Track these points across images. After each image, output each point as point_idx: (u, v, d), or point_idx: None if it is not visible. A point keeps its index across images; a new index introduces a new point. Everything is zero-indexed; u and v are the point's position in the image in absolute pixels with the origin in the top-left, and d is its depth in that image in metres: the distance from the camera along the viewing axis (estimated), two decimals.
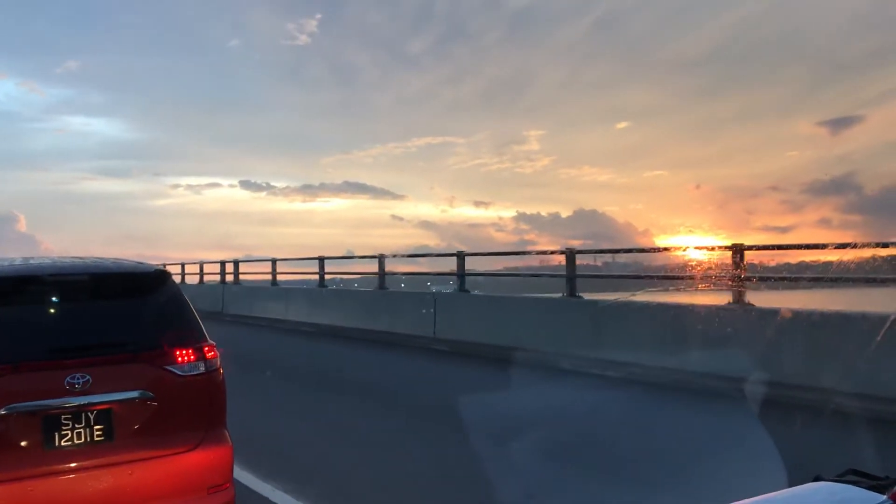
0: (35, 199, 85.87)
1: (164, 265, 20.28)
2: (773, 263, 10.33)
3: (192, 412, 4.00)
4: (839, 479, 1.18)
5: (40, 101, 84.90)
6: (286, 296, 20.19)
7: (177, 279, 23.82)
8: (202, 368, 4.04)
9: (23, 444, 3.55)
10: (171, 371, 3.94)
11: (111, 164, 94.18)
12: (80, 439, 3.65)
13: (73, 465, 3.64)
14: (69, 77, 79.20)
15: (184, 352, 4.00)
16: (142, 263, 4.54)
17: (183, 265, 27.22)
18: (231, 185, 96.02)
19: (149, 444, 3.79)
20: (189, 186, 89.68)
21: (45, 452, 3.57)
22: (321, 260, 18.93)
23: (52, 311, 4.03)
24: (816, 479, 1.19)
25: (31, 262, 4.44)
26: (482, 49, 75.89)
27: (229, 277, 24.44)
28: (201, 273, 26.39)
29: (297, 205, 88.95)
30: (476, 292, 14.80)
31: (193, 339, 4.08)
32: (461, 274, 14.08)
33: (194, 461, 3.93)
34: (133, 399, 3.80)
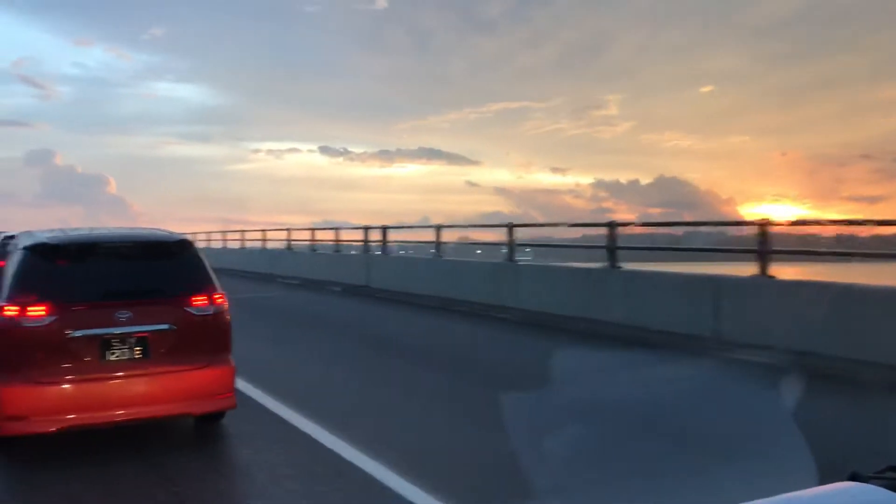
0: (124, 163, 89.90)
1: (288, 230, 23.34)
2: (864, 235, 10.22)
3: (204, 341, 5.55)
4: (876, 475, 1.12)
5: (127, 67, 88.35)
6: (455, 270, 15.84)
7: (301, 244, 24.25)
8: (212, 311, 5.60)
9: (86, 358, 5.15)
10: (189, 311, 5.50)
11: (195, 129, 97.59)
12: (125, 356, 5.25)
13: (119, 373, 5.25)
14: (154, 43, 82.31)
15: (199, 298, 5.55)
16: (171, 233, 6.13)
17: (312, 230, 24.31)
18: (310, 151, 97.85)
19: (172, 361, 5.36)
20: (269, 151, 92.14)
21: (100, 364, 5.17)
22: (510, 227, 14.21)
23: (106, 267, 5.64)
24: (852, 476, 1.12)
25: (93, 231, 6.06)
26: (559, 12, 75.02)
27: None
28: (337, 241, 22.25)
29: (374, 170, 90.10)
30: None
31: (207, 289, 5.63)
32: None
33: (205, 375, 5.50)
34: (162, 330, 5.37)
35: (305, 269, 22.45)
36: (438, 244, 16.74)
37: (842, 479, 1.12)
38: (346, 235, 21.64)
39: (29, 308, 5.08)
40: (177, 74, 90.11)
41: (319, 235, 23.70)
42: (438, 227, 16.70)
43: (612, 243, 11.51)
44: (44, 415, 5.05)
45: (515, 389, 6.88)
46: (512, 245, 14.09)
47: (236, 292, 14.69)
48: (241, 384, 6.38)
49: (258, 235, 28.23)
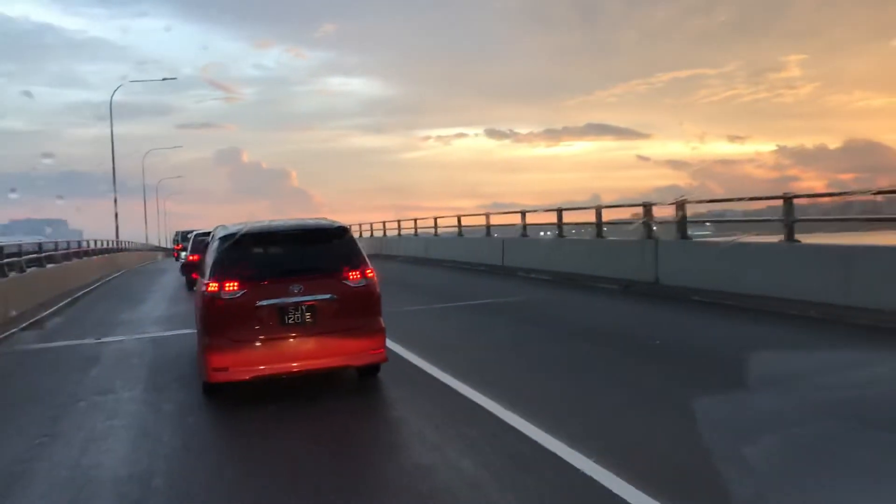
0: (304, 156, 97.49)
1: (523, 213, 20.14)
2: None
3: (359, 307, 6.80)
4: None
5: (304, 65, 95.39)
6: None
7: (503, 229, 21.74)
8: (364, 283, 6.83)
9: (269, 322, 6.55)
10: (346, 284, 6.75)
11: (368, 121, 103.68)
12: (298, 320, 6.59)
13: (294, 333, 6.61)
14: (327, 40, 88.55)
15: (354, 272, 6.80)
16: (333, 221, 7.43)
17: (523, 213, 20.77)
18: (476, 134, 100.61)
19: (335, 324, 6.65)
20: (438, 138, 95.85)
21: (280, 327, 6.55)
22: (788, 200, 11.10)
23: (281, 250, 7.06)
24: None
25: (272, 222, 7.49)
26: None
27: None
28: (524, 224, 20.47)
29: (540, 150, 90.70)
30: None
31: (360, 266, 6.87)
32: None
33: (360, 334, 6.75)
34: (327, 299, 6.66)
35: (549, 259, 18.16)
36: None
37: None
38: (574, 217, 18.76)
39: (226, 284, 6.54)
40: (349, 69, 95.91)
41: (543, 218, 20.01)
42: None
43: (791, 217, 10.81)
44: (240, 366, 6.51)
45: None
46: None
47: (464, 296, 14.41)
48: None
49: (475, 221, 24.28)
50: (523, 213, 20.64)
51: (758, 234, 12.58)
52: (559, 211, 18.57)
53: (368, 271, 6.91)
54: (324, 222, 7.51)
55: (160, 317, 14.04)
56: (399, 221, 34.39)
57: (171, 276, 25.62)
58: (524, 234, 20.59)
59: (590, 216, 17.25)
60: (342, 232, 7.25)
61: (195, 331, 7.79)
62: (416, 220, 31.23)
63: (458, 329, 10.99)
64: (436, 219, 28.00)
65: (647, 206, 14.50)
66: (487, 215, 23.25)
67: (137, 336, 11.56)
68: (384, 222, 36.90)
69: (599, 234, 16.64)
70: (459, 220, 25.08)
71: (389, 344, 7.31)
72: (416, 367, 7.89)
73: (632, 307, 12.46)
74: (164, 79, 42.88)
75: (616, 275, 14.91)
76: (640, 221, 14.62)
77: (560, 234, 18.58)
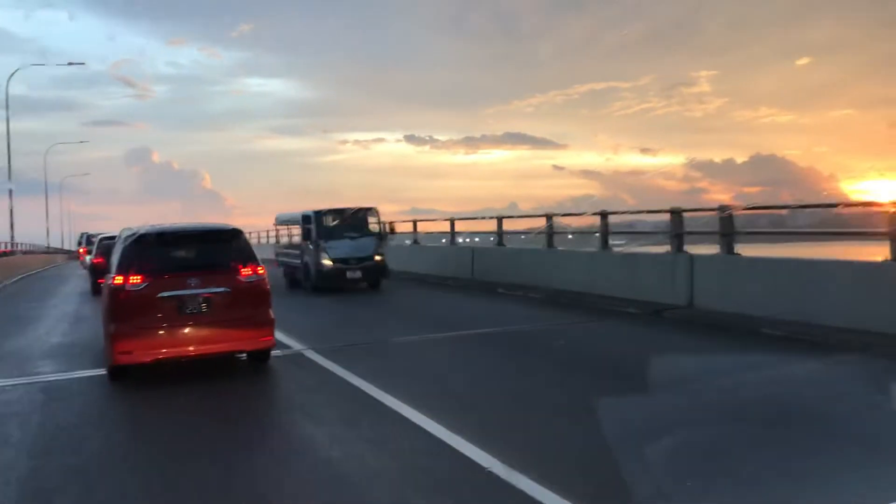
0: (217, 158, 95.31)
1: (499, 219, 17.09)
2: None
3: (251, 300, 7.87)
4: None
5: (219, 65, 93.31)
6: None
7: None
8: (255, 278, 7.88)
9: (170, 311, 7.52)
10: (239, 279, 7.79)
11: (285, 123, 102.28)
12: (196, 310, 7.60)
13: (191, 322, 7.61)
14: (244, 40, 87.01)
15: (245, 269, 7.86)
16: (227, 224, 8.46)
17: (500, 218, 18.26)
18: (396, 140, 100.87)
19: (228, 314, 7.69)
20: (357, 142, 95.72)
21: (179, 315, 7.54)
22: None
23: (181, 249, 8.04)
24: None
25: (174, 224, 8.43)
26: None
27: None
28: (500, 231, 17.94)
29: (460, 157, 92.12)
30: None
31: (251, 263, 7.90)
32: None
33: (251, 323, 7.81)
34: (221, 291, 7.68)
35: (535, 273, 15.69)
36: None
37: None
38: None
39: (130, 278, 7.47)
40: (266, 70, 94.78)
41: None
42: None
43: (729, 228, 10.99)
44: (143, 350, 7.47)
45: None
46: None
47: (461, 322, 11.29)
48: None
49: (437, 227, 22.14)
50: (499, 219, 18.01)
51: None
52: (548, 216, 16.01)
53: (259, 269, 7.98)
54: (220, 225, 8.56)
55: (59, 345, 10.92)
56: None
57: (75, 285, 23.78)
58: (500, 244, 18.04)
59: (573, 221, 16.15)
60: (236, 234, 8.31)
61: (104, 371, 8.07)
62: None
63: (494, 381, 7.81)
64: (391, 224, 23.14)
65: (677, 213, 12.10)
66: (452, 221, 20.43)
67: (23, 381, 8.27)
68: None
69: (605, 244, 14.16)
70: (415, 225, 22.35)
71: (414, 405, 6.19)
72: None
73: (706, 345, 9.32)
74: (69, 63, 41.92)
75: (635, 295, 12.38)
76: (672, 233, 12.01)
77: (550, 244, 15.88)
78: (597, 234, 14.27)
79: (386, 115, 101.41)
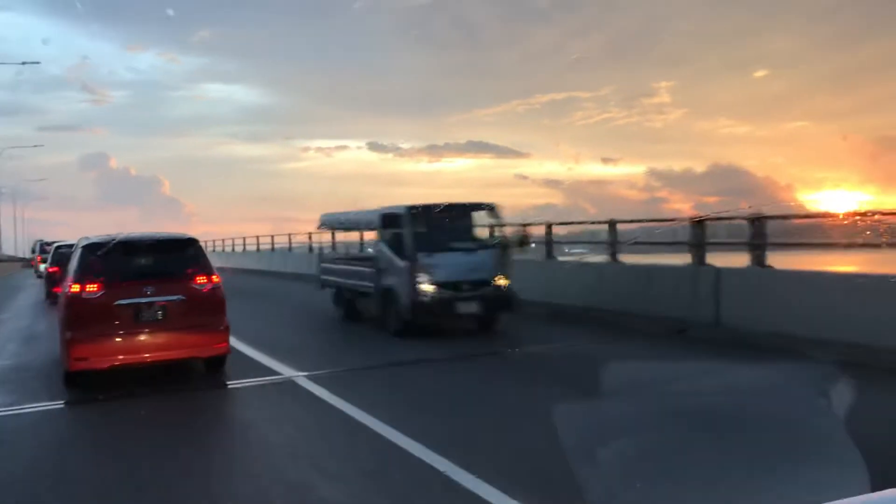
0: (177, 164, 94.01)
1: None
2: None
3: (206, 308, 8.07)
4: None
5: (179, 70, 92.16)
6: None
7: None
8: (210, 287, 8.10)
9: (126, 319, 7.69)
10: (194, 287, 8.01)
11: (246, 129, 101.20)
12: (152, 318, 7.78)
13: (147, 329, 7.78)
14: (204, 46, 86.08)
15: (200, 277, 8.07)
16: (183, 234, 8.69)
17: None
18: (359, 147, 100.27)
19: (183, 321, 7.89)
20: (319, 149, 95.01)
21: (134, 322, 7.72)
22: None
23: (137, 257, 8.21)
24: None
25: (131, 234, 8.62)
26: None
27: None
28: None
29: (423, 165, 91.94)
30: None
31: (206, 272, 8.12)
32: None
33: (206, 331, 8.01)
34: (177, 300, 7.88)
35: (541, 286, 13.49)
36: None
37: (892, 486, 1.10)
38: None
39: (87, 286, 7.64)
40: (227, 76, 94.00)
41: None
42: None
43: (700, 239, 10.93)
44: (99, 356, 7.63)
45: None
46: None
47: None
48: None
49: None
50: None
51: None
52: (548, 225, 14.46)
53: (214, 277, 8.21)
54: (176, 234, 8.77)
55: (7, 370, 9.59)
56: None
57: (29, 296, 22.68)
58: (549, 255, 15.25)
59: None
60: (192, 243, 8.54)
61: (61, 404, 7.53)
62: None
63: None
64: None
65: (699, 222, 11.00)
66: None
67: None
68: (288, 235, 31.49)
69: (615, 256, 12.77)
70: (549, 231, 17.98)
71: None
72: None
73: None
74: (23, 63, 41.25)
75: (649, 311, 11.23)
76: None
77: (549, 255, 14.29)
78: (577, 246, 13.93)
79: (349, 122, 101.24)
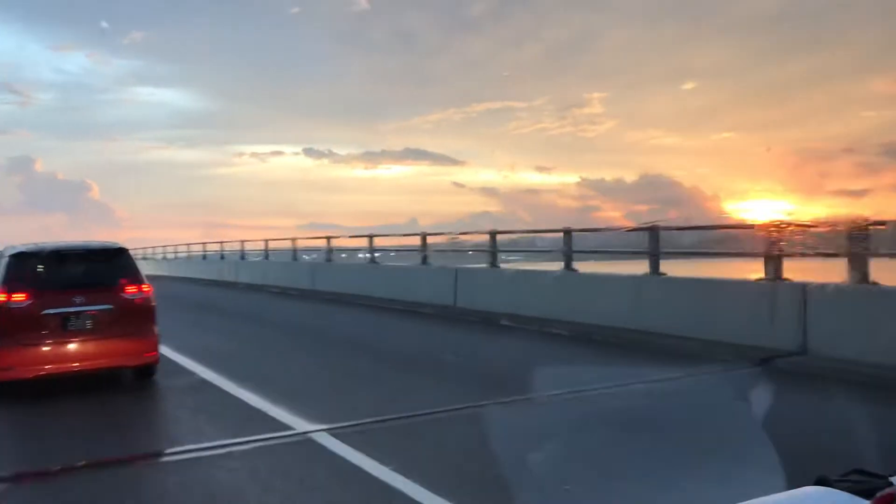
0: (107, 169, 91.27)
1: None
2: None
3: (135, 317, 8.06)
4: (841, 479, 1.11)
5: (110, 72, 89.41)
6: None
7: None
8: (140, 295, 8.14)
9: (54, 328, 7.72)
10: (124, 296, 8.04)
11: (179, 134, 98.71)
12: (80, 327, 7.80)
13: (74, 338, 7.80)
14: (135, 48, 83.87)
15: (130, 287, 8.10)
16: (113, 242, 8.73)
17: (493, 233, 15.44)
18: (294, 153, 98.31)
19: (112, 330, 7.88)
20: (254, 154, 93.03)
21: (63, 332, 7.75)
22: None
23: (66, 266, 8.25)
24: (819, 481, 1.11)
25: (59, 242, 8.63)
26: (544, 10, 77.00)
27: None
28: (493, 250, 15.02)
29: (359, 171, 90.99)
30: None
31: (136, 281, 8.19)
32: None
33: (136, 340, 8.01)
34: (106, 309, 7.91)
35: (554, 304, 12.51)
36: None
37: (809, 484, 1.12)
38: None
39: (14, 295, 7.66)
40: (159, 79, 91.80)
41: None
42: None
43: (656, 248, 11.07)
44: (26, 366, 7.64)
45: None
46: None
47: (511, 381, 7.42)
48: None
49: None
50: (493, 234, 14.92)
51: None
52: (567, 232, 12.96)
53: (144, 286, 8.24)
54: (106, 243, 8.79)
55: None
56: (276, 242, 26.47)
57: None
58: (493, 264, 14.68)
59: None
60: (121, 252, 8.56)
61: None
62: (297, 240, 24.64)
63: None
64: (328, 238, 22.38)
65: (776, 227, 9.61)
66: (424, 235, 17.32)
67: None
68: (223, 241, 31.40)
69: (656, 269, 11.13)
70: (373, 242, 19.96)
71: None
72: None
73: None
74: None
75: (706, 334, 9.58)
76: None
77: (568, 267, 12.91)
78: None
79: (284, 127, 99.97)
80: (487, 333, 12.48)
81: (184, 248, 36.13)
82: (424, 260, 17.15)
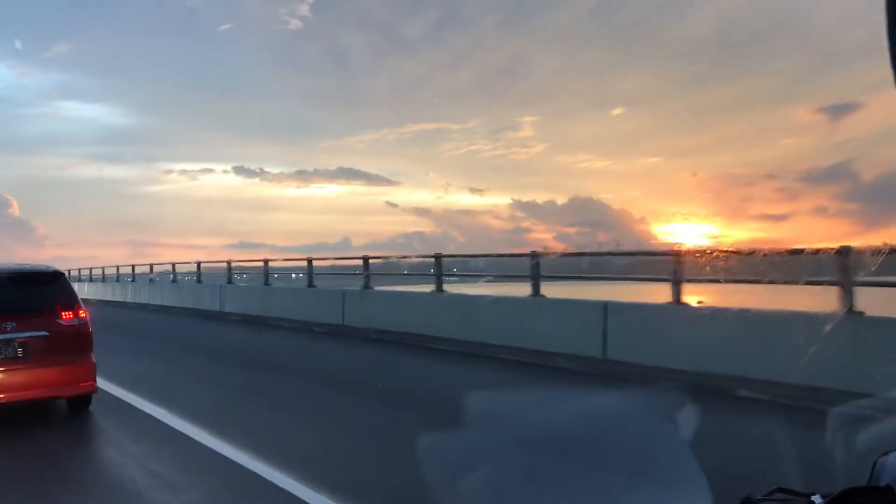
0: (29, 184, 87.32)
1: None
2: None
3: (71, 344, 7.65)
4: (765, 498, 1.13)
5: (32, 85, 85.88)
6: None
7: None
8: (77, 322, 7.72)
9: None
10: (59, 322, 7.61)
11: (105, 150, 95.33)
12: (11, 355, 7.34)
13: (5, 367, 7.32)
14: (60, 61, 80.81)
15: (66, 313, 7.68)
16: (48, 266, 8.27)
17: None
18: (225, 171, 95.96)
19: (46, 359, 7.45)
20: (183, 172, 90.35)
21: None
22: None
23: None
24: (745, 501, 1.11)
25: None
26: (477, 35, 78.39)
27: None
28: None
29: (291, 191, 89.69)
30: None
31: (72, 307, 7.76)
32: None
33: (71, 369, 7.58)
34: (39, 336, 7.47)
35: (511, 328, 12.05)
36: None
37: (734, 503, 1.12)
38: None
39: None
40: (85, 94, 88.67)
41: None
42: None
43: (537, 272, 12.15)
44: None
45: None
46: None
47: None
48: None
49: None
50: (438, 257, 14.90)
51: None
52: (534, 254, 12.45)
53: (81, 312, 7.82)
54: (40, 266, 8.32)
55: None
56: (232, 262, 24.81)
57: None
58: (439, 289, 14.39)
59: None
60: (57, 276, 8.12)
61: None
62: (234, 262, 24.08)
63: None
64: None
65: (844, 253, 8.18)
66: (438, 257, 14.80)
67: None
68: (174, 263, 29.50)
69: (678, 296, 9.90)
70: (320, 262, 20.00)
71: None
72: None
73: None
74: None
75: (755, 373, 8.15)
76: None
77: (536, 293, 12.14)
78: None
79: (215, 145, 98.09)
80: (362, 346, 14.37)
81: (111, 271, 34.76)
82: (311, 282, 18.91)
